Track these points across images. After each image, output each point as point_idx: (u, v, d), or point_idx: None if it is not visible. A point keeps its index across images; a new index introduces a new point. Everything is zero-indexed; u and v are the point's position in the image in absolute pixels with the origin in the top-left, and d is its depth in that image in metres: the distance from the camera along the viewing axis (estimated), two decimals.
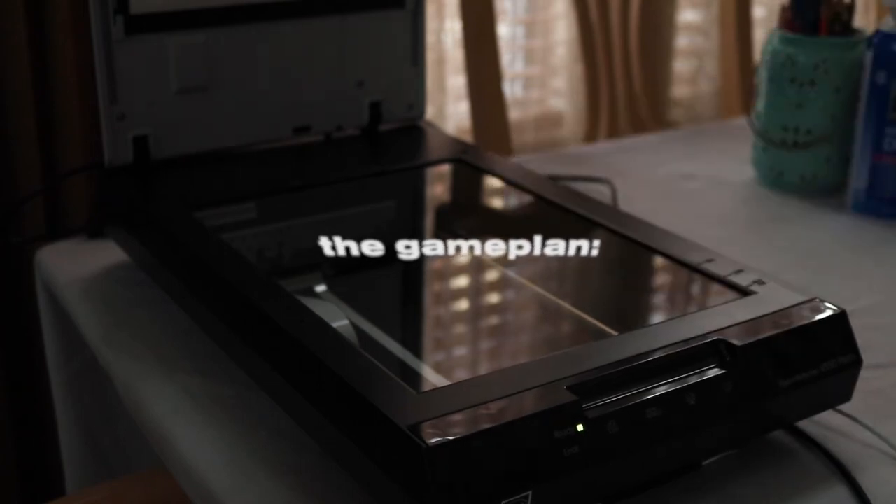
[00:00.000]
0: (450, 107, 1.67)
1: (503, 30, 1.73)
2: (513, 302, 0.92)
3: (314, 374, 0.63)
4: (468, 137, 1.60)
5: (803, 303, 0.70)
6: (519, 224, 0.98)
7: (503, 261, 0.97)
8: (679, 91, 1.97)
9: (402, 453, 0.55)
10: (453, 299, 0.94)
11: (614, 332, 0.78)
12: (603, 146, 1.55)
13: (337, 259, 0.92)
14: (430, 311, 0.92)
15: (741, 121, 1.35)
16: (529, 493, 0.56)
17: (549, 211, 0.89)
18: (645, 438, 0.60)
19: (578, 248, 0.93)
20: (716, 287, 0.75)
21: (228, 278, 0.74)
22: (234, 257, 0.77)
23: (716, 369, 0.64)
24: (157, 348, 0.82)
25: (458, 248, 0.98)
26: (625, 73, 1.80)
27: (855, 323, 0.71)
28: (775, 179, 1.19)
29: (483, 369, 0.83)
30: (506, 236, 0.99)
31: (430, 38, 1.54)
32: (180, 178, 0.93)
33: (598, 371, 0.62)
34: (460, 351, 0.85)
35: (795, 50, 1.14)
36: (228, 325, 0.72)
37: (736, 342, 0.65)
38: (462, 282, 0.97)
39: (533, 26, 1.83)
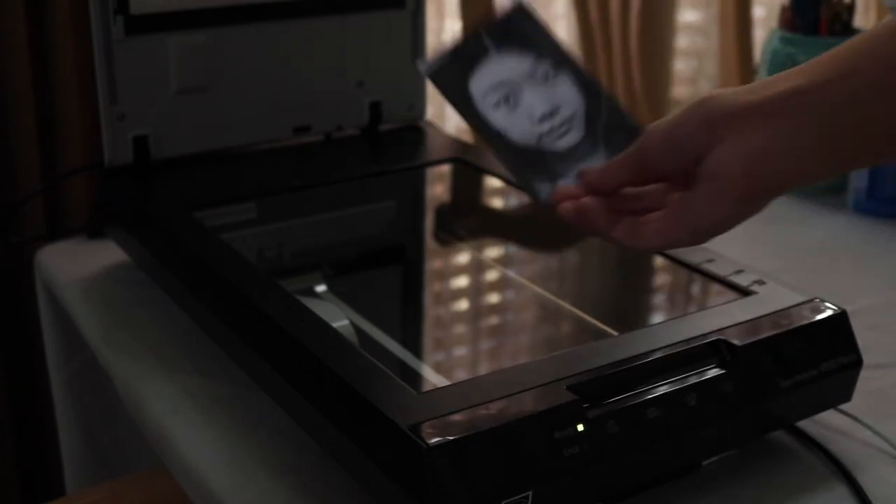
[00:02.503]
0: (450, 107, 1.67)
1: None
2: (513, 302, 0.92)
3: (314, 374, 0.63)
4: (468, 137, 1.60)
5: (803, 303, 0.70)
6: (519, 224, 0.98)
7: (503, 261, 0.97)
8: (679, 91, 1.97)
9: (403, 453, 0.55)
10: (453, 299, 0.94)
11: (614, 332, 0.78)
12: None
13: (337, 259, 0.92)
14: (430, 311, 0.92)
15: None
16: (530, 493, 0.56)
17: (549, 211, 0.89)
18: (645, 438, 0.60)
19: (578, 248, 0.93)
20: (716, 287, 0.75)
21: (228, 278, 0.74)
22: (234, 257, 0.77)
23: (716, 369, 0.64)
24: (157, 348, 0.82)
25: (458, 248, 0.98)
26: (625, 73, 1.80)
27: (855, 323, 0.71)
28: None
29: (483, 369, 0.83)
30: (506, 236, 0.99)
31: (430, 38, 1.54)
32: (180, 178, 0.92)
33: (598, 371, 0.62)
34: (460, 351, 0.85)
35: (795, 50, 1.14)
36: (228, 325, 0.72)
37: (736, 342, 0.65)
38: (462, 282, 0.97)
39: None
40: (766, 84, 0.56)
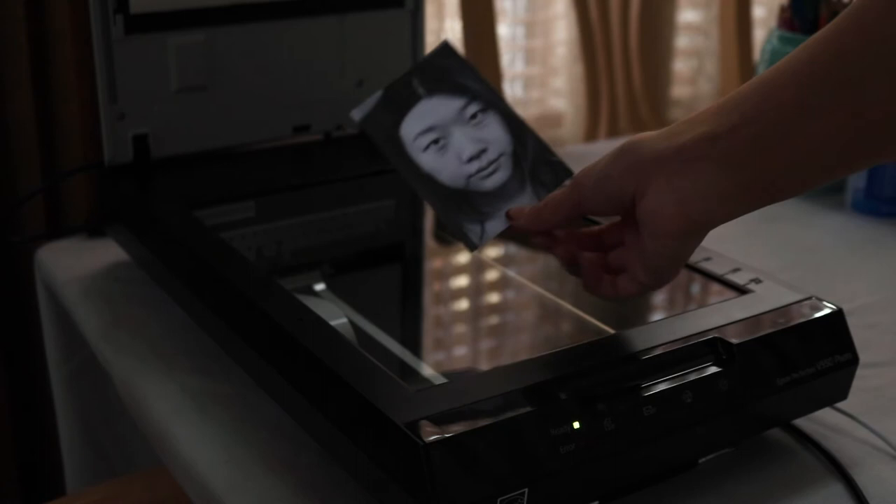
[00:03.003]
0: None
1: (503, 30, 1.74)
2: (512, 301, 0.93)
3: (313, 372, 0.63)
4: None
5: (800, 301, 0.71)
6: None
7: (502, 260, 0.97)
8: (679, 91, 1.97)
9: (400, 450, 0.55)
10: (452, 298, 0.94)
11: (612, 331, 0.78)
12: (603, 146, 1.55)
13: (336, 257, 0.93)
14: (429, 309, 0.92)
15: None
16: (525, 490, 0.56)
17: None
18: (641, 436, 0.61)
19: None
20: (713, 285, 0.75)
21: (228, 277, 0.74)
22: (233, 256, 0.77)
23: (713, 367, 0.64)
24: (156, 347, 0.82)
25: (456, 248, 0.99)
26: (625, 73, 1.80)
27: (852, 321, 0.71)
28: None
29: (481, 367, 0.83)
30: (505, 235, 0.99)
31: (429, 38, 1.54)
32: (180, 176, 0.93)
33: (595, 369, 0.62)
34: (458, 349, 0.85)
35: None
36: (228, 324, 0.73)
37: (733, 340, 0.65)
38: (461, 281, 0.97)
39: (533, 26, 1.83)
40: (682, 129, 0.60)
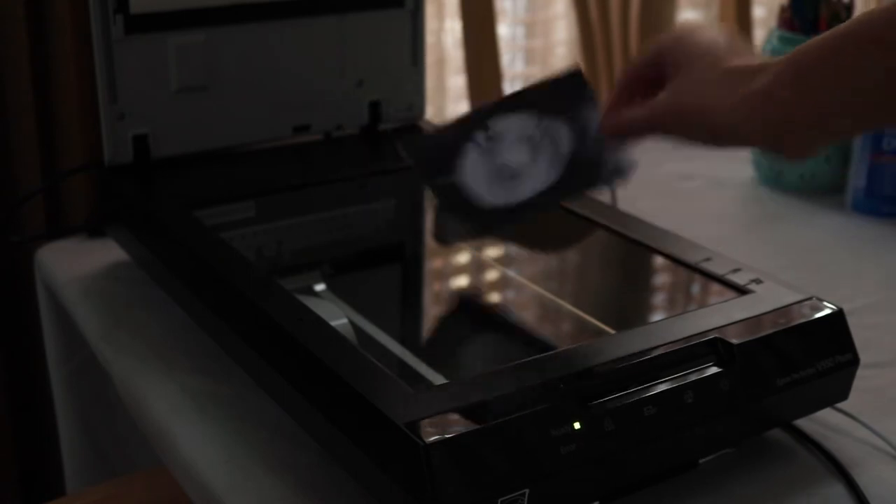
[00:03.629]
0: (450, 107, 1.67)
1: (503, 30, 1.74)
2: (512, 301, 0.92)
3: (313, 373, 0.63)
4: None
5: (801, 301, 0.71)
6: (518, 224, 0.98)
7: (503, 260, 0.97)
8: None
9: (400, 451, 0.55)
10: (452, 298, 0.94)
11: (612, 331, 0.78)
12: None
13: (336, 258, 0.93)
14: (429, 309, 0.92)
15: None
16: (526, 490, 0.56)
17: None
18: (642, 436, 0.61)
19: (578, 248, 0.93)
20: (714, 286, 0.75)
21: (228, 277, 0.74)
22: (233, 256, 0.77)
23: (713, 367, 0.64)
24: (156, 347, 0.82)
25: (457, 248, 0.99)
26: None
27: (853, 321, 0.71)
28: (775, 179, 1.19)
29: (481, 367, 0.83)
30: (505, 235, 0.99)
31: (430, 38, 1.54)
32: (180, 176, 0.93)
33: (595, 369, 0.62)
34: (459, 349, 0.85)
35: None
36: (228, 324, 0.73)
37: (733, 340, 0.65)
38: (461, 281, 0.97)
39: (533, 26, 1.83)
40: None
